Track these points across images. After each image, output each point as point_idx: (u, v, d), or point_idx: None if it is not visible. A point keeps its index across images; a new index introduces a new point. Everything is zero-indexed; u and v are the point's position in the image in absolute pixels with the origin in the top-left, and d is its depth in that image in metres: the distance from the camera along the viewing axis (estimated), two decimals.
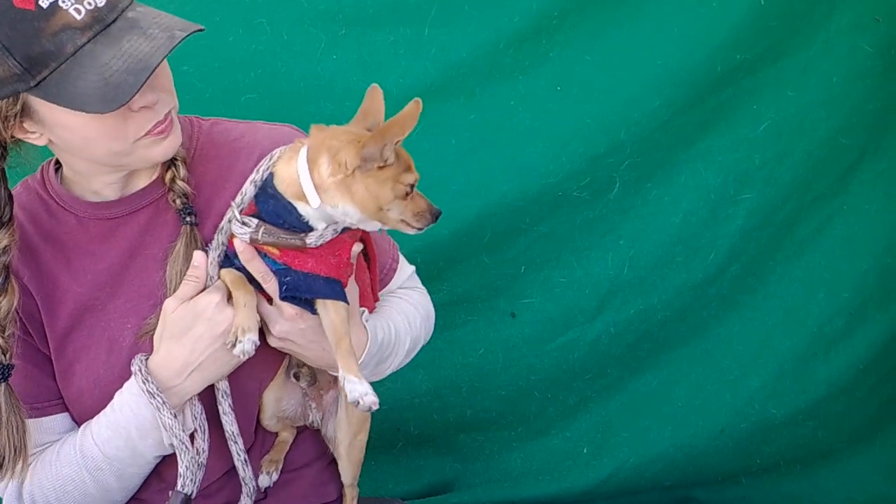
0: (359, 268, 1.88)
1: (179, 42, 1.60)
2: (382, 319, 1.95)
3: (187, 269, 1.80)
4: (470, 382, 2.87)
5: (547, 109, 2.65)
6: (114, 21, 1.60)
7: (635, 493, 2.98)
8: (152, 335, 1.82)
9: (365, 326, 1.86)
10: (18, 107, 1.68)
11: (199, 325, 1.75)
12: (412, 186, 1.70)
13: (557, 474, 2.96)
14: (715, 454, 2.95)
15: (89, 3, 1.58)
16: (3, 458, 1.81)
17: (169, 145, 1.76)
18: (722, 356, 2.93)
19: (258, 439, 1.97)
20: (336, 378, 1.87)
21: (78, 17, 1.57)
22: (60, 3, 1.56)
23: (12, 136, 1.74)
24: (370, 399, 1.67)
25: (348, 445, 1.96)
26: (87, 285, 1.87)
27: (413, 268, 2.16)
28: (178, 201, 1.83)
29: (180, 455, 1.78)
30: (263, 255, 1.74)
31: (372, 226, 1.73)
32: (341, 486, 2.09)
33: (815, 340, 2.93)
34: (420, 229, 1.73)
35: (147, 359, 1.80)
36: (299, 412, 1.97)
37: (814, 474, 3.03)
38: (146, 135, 1.71)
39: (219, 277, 1.78)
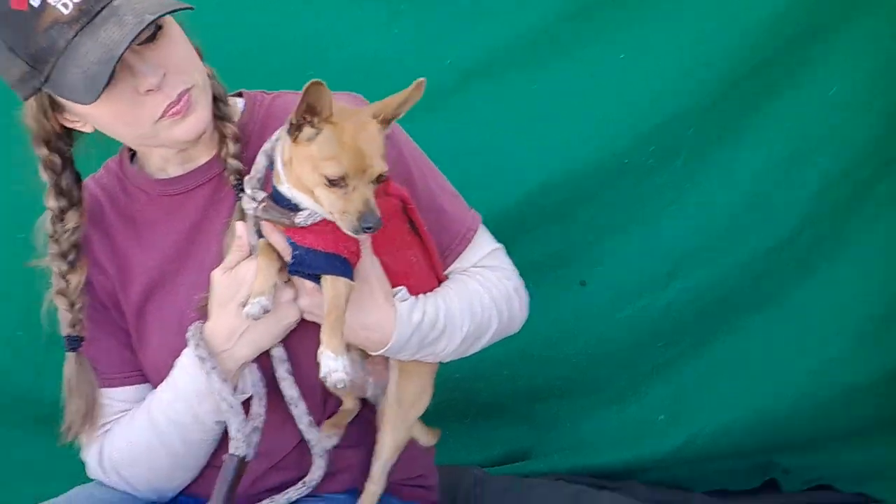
0: (401, 245, 1.89)
1: (150, 23, 1.65)
2: (432, 299, 1.94)
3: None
4: (541, 350, 2.89)
5: (611, 77, 2.66)
6: (99, 11, 1.66)
7: (715, 459, 2.98)
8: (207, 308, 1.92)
9: (396, 306, 1.87)
10: (47, 101, 1.81)
11: (241, 292, 1.82)
12: (331, 180, 1.63)
13: (633, 442, 2.97)
14: (796, 419, 2.94)
15: None
16: (72, 423, 1.97)
17: (190, 125, 1.82)
18: (800, 321, 2.91)
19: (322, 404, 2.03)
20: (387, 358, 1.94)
21: (65, 12, 1.65)
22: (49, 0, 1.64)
23: (62, 126, 1.87)
24: (338, 376, 1.66)
25: (393, 425, 1.97)
26: (156, 260, 1.98)
27: (498, 246, 2.13)
28: (231, 178, 1.90)
29: (229, 419, 1.86)
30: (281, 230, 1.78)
31: (321, 212, 1.70)
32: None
33: (894, 303, 2.90)
34: (348, 231, 1.65)
35: (203, 325, 1.89)
36: (358, 382, 1.99)
37: None
38: (162, 117, 1.78)
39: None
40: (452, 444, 2.89)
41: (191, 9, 1.73)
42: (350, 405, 2.04)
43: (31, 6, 1.65)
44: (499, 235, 2.17)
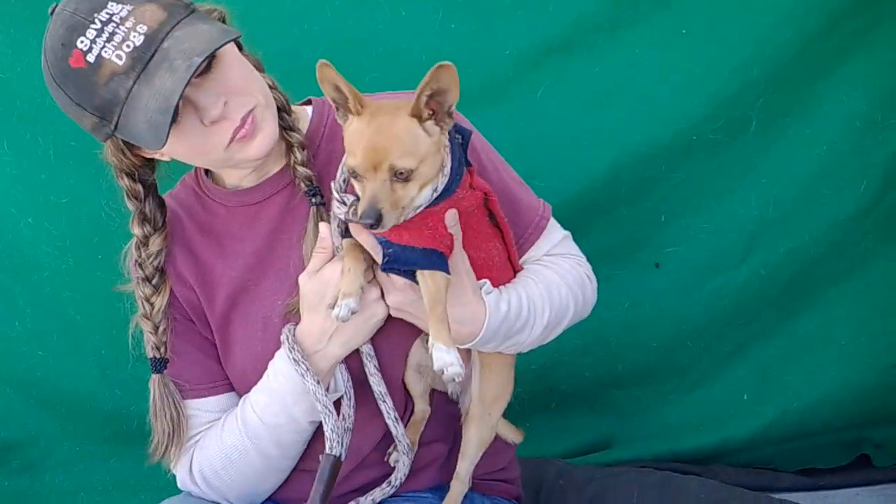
0: (483, 238, 1.92)
1: (199, 65, 1.68)
2: (514, 290, 1.97)
3: None
4: (619, 336, 2.89)
5: (673, 54, 2.64)
6: (151, 57, 1.70)
7: (803, 437, 2.95)
8: (295, 313, 1.97)
9: (484, 299, 1.90)
10: (121, 142, 1.88)
11: (329, 295, 1.87)
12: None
13: (719, 424, 2.95)
14: (887, 392, 2.89)
15: (128, 46, 1.69)
16: (159, 444, 2.03)
17: (259, 144, 1.87)
18: (885, 289, 2.86)
19: (404, 402, 2.06)
20: (470, 351, 1.96)
21: (120, 63, 1.69)
22: (104, 53, 1.69)
23: (140, 157, 1.95)
24: (454, 370, 1.70)
25: (478, 422, 2.00)
26: (238, 269, 2.04)
27: (566, 234, 2.17)
28: (302, 185, 1.95)
29: (325, 419, 1.90)
30: None
31: None
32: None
33: None
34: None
35: (295, 327, 1.94)
36: (438, 376, 1.97)
37: None
38: (231, 142, 1.83)
39: (343, 247, 1.87)
40: (534, 436, 2.83)
41: (238, 36, 1.77)
42: (422, 408, 2.08)
43: (88, 63, 1.70)
44: (570, 222, 2.19)
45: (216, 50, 1.72)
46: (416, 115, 1.68)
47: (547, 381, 2.94)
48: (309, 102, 2.12)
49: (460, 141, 1.81)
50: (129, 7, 1.71)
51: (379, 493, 2.04)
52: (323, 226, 1.91)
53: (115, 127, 1.75)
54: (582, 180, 2.72)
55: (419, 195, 1.71)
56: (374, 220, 1.64)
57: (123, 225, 2.60)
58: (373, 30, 2.61)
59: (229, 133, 1.82)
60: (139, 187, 1.98)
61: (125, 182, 1.98)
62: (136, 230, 2.00)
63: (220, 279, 2.05)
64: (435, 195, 1.75)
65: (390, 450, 2.05)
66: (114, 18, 1.70)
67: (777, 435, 2.93)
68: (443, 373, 1.71)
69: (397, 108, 1.70)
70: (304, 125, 2.03)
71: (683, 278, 2.86)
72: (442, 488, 2.10)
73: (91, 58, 1.69)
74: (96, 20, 1.70)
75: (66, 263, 2.84)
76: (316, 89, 2.09)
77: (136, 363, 2.74)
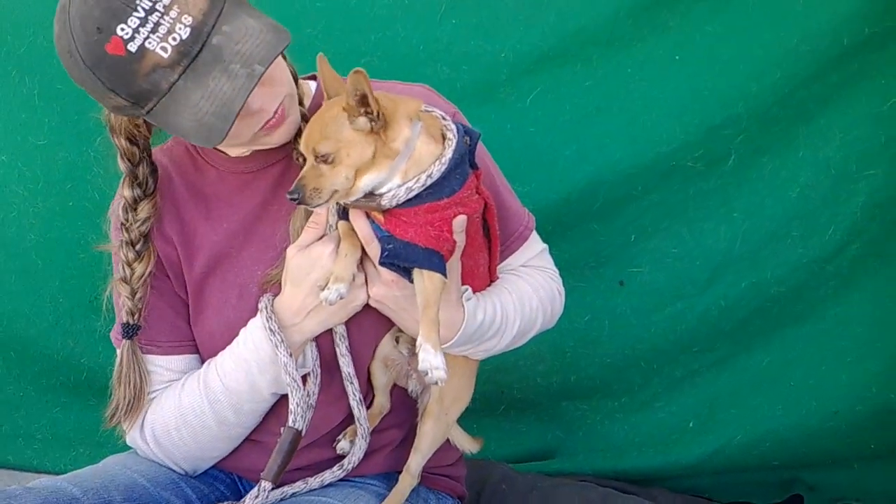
0: (476, 248, 1.97)
1: (261, 76, 1.70)
2: (490, 298, 2.03)
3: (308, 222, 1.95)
4: (574, 348, 2.96)
5: (664, 79, 2.71)
6: (199, 52, 1.69)
7: (741, 471, 3.01)
8: (274, 284, 2.01)
9: (464, 305, 1.95)
10: (141, 120, 1.91)
11: (315, 272, 1.91)
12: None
13: (662, 447, 3.01)
14: (827, 437, 2.95)
15: (174, 39, 1.67)
16: (118, 410, 2.05)
17: (284, 132, 1.92)
18: (839, 337, 2.91)
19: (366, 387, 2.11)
20: None
21: (165, 56, 1.68)
22: (147, 44, 1.67)
23: (146, 123, 1.98)
24: (439, 374, 1.75)
25: (435, 420, 2.05)
26: (222, 234, 2.07)
27: (544, 247, 2.23)
28: (300, 160, 1.96)
29: (291, 393, 1.94)
30: (373, 221, 1.85)
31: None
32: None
33: None
34: None
35: (274, 298, 1.98)
36: (402, 373, 2.09)
37: None
38: (259, 130, 1.87)
39: (336, 227, 1.91)
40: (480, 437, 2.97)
41: (289, 41, 1.77)
42: (381, 402, 2.13)
43: (129, 52, 1.67)
44: (541, 230, 2.26)
45: (277, 56, 1.73)
46: (348, 110, 1.76)
47: (498, 384, 3.00)
48: (314, 77, 2.14)
49: (468, 142, 1.87)
50: None
51: (329, 475, 2.07)
52: None
53: (148, 112, 1.74)
54: (559, 190, 2.79)
55: (360, 180, 1.77)
56: (296, 196, 1.74)
57: (100, 175, 2.67)
58: (374, 14, 2.67)
59: (261, 123, 1.85)
60: (135, 149, 1.99)
61: (121, 142, 1.98)
62: (127, 192, 2.01)
63: (202, 241, 2.08)
64: (422, 186, 1.79)
65: (339, 437, 2.09)
66: (157, 7, 1.67)
67: (717, 465, 2.98)
68: (427, 374, 1.76)
69: (335, 100, 1.79)
70: (307, 100, 2.05)
71: (645, 299, 2.93)
72: (390, 477, 2.15)
73: (133, 47, 1.67)
74: (139, 7, 1.66)
75: (34, 206, 2.86)
76: (310, 67, 2.16)
77: (89, 312, 2.80)
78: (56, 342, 2.98)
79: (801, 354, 2.95)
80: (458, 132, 1.84)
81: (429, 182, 1.79)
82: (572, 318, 2.78)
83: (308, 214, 1.96)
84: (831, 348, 2.94)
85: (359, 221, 1.87)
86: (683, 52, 2.70)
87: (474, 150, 1.89)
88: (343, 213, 1.91)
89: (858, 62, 2.70)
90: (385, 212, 1.82)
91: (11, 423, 3.11)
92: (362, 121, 1.76)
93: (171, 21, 1.67)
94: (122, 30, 1.66)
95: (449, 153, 1.81)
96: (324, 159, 1.75)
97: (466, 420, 2.19)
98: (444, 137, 1.84)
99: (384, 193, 1.80)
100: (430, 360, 1.76)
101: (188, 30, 1.68)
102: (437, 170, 1.79)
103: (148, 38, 1.66)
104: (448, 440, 2.18)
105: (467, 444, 2.26)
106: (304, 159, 1.79)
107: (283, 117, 1.88)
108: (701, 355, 2.98)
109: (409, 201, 1.80)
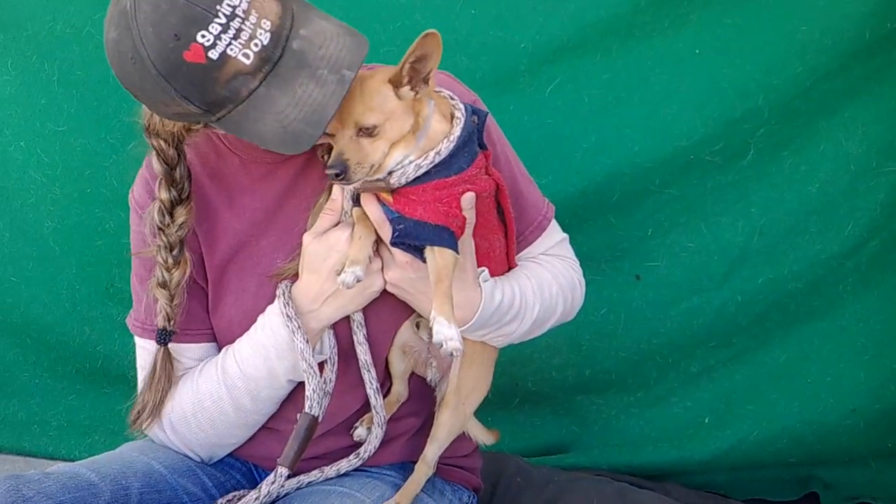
0: (490, 229, 1.97)
1: (351, 82, 1.67)
2: (508, 282, 2.02)
3: None
4: (590, 342, 2.96)
5: (684, 71, 2.72)
6: (280, 57, 1.66)
7: (757, 467, 3.01)
8: (284, 278, 2.01)
9: (481, 286, 1.95)
10: (201, 124, 1.89)
11: (332, 257, 1.92)
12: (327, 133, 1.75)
13: (677, 442, 3.00)
14: (844, 434, 2.94)
15: (255, 45, 1.63)
16: (141, 412, 2.05)
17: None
18: (857, 334, 2.91)
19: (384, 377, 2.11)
20: None
21: (247, 63, 1.64)
22: (229, 51, 1.62)
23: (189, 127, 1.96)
24: (453, 344, 1.74)
25: (452, 409, 2.04)
26: (245, 222, 2.07)
27: (565, 236, 2.23)
28: (324, 157, 1.96)
29: (308, 379, 1.95)
30: (383, 204, 1.86)
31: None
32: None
33: None
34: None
35: (291, 285, 1.99)
36: (421, 360, 2.09)
37: None
38: None
39: (351, 214, 1.92)
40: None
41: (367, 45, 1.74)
42: (399, 390, 2.12)
43: (209, 59, 1.62)
44: (558, 222, 2.25)
45: (363, 60, 1.71)
46: (395, 80, 1.75)
47: (513, 377, 3.01)
48: None
49: (476, 121, 1.88)
50: None
51: (346, 464, 2.08)
52: (336, 188, 1.94)
53: (218, 119, 1.72)
54: (577, 182, 2.79)
55: (390, 155, 1.78)
56: (340, 171, 1.71)
57: (118, 161, 2.68)
58: (393, 3, 2.68)
59: None
60: (172, 151, 1.97)
61: (158, 143, 1.95)
62: (163, 194, 1.98)
63: (224, 228, 2.08)
64: (430, 163, 1.80)
65: (357, 424, 2.10)
66: (237, 12, 1.62)
67: (733, 461, 2.98)
68: (441, 346, 1.75)
69: (377, 71, 1.78)
70: None
71: (661, 293, 2.93)
72: (406, 467, 2.14)
73: (214, 54, 1.62)
74: (220, 14, 1.61)
75: (52, 193, 2.87)
76: None
77: (108, 302, 2.81)
78: (72, 329, 2.99)
79: (818, 351, 2.95)
80: (466, 111, 1.86)
81: (437, 159, 1.80)
82: (588, 311, 2.74)
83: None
84: (849, 345, 2.93)
85: (370, 205, 1.87)
86: (703, 44, 2.70)
87: (482, 129, 1.90)
88: (356, 199, 1.92)
89: (881, 57, 2.69)
90: (394, 193, 1.82)
91: (27, 409, 3.12)
92: (406, 90, 1.76)
93: (252, 27, 1.63)
94: (203, 37, 1.61)
95: (457, 131, 1.82)
96: (368, 132, 1.74)
97: (481, 412, 2.19)
98: (452, 116, 1.85)
99: (394, 171, 1.80)
100: (444, 331, 1.76)
101: (268, 35, 1.65)
102: (446, 147, 1.81)
103: (230, 44, 1.62)
104: (464, 432, 2.17)
105: (483, 436, 2.25)
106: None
107: None
108: (717, 350, 2.97)
109: (417, 179, 1.81)
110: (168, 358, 2.05)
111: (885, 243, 2.86)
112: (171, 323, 2.02)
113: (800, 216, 2.84)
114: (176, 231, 1.99)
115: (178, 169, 1.99)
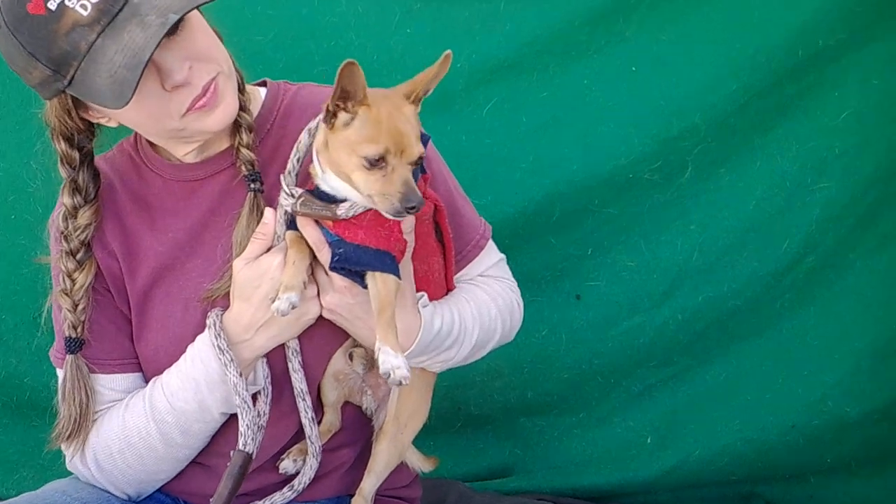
0: (429, 251, 1.94)
1: (174, 23, 1.66)
2: (447, 307, 1.99)
3: (252, 234, 1.89)
4: (532, 363, 2.93)
5: (620, 89, 2.71)
6: (120, 10, 1.67)
7: (699, 486, 3.01)
8: (214, 300, 1.95)
9: (420, 312, 1.91)
10: (70, 101, 1.83)
11: (264, 285, 1.85)
12: (370, 161, 1.65)
13: (620, 463, 2.99)
14: (784, 450, 2.97)
15: None
16: (63, 428, 1.97)
17: (220, 115, 1.84)
18: (795, 350, 2.94)
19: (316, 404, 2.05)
20: None
21: (84, 14, 1.65)
22: (67, 2, 1.65)
23: (86, 120, 1.90)
24: (401, 373, 1.69)
25: (391, 439, 2.00)
26: (167, 244, 2.00)
27: (502, 256, 2.21)
28: (243, 168, 1.93)
29: (242, 414, 1.88)
30: (322, 226, 1.81)
31: (360, 199, 1.73)
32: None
33: (894, 338, 2.92)
34: (387, 213, 1.68)
35: (222, 314, 1.92)
36: (356, 389, 2.04)
37: (886, 476, 3.00)
38: (189, 111, 1.80)
39: (283, 238, 1.86)
40: (437, 455, 2.89)
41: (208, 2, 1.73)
42: (331, 420, 2.07)
43: (48, 10, 1.65)
44: (497, 243, 2.24)
45: (194, 8, 1.70)
46: (413, 100, 1.72)
47: (455, 401, 2.97)
48: (264, 84, 2.10)
49: None
50: None
51: (280, 497, 2.02)
52: (268, 211, 1.89)
53: (70, 82, 1.71)
54: (516, 203, 2.77)
55: None
56: (418, 204, 1.64)
57: (42, 188, 2.61)
58: (327, 22, 2.63)
59: (189, 100, 1.79)
60: (75, 154, 1.93)
61: (61, 146, 1.92)
62: (66, 199, 1.94)
63: (146, 252, 2.01)
64: None
65: (283, 456, 2.04)
66: None
67: (675, 481, 2.98)
68: (389, 376, 1.70)
69: (393, 94, 1.72)
70: (255, 107, 2.01)
71: (602, 313, 2.92)
72: (342, 501, 2.10)
73: (52, 5, 1.65)
74: None
75: None
76: (260, 74, 2.11)
77: (33, 328, 2.71)
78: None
79: (757, 368, 2.97)
80: None
81: None
82: (529, 332, 2.79)
83: (253, 223, 1.90)
84: (788, 361, 2.96)
85: (308, 227, 1.82)
86: (639, 62, 2.70)
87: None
88: (289, 223, 1.87)
89: (814, 73, 2.73)
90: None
91: None
92: None
93: None
94: None
95: None
96: (415, 163, 1.69)
97: (422, 438, 2.15)
98: None
99: (341, 202, 1.76)
100: (391, 360, 1.71)
101: None
102: None
103: None
104: (402, 461, 2.13)
105: (421, 463, 2.22)
106: (377, 163, 1.66)
107: (214, 97, 1.82)
108: (658, 369, 2.98)
109: None
110: (80, 367, 1.96)
111: (820, 259, 2.88)
112: (78, 331, 1.95)
113: (737, 233, 2.86)
114: (78, 235, 1.94)
115: (81, 172, 1.94)
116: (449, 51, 1.70)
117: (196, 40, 1.79)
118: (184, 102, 1.79)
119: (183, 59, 1.76)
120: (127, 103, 1.66)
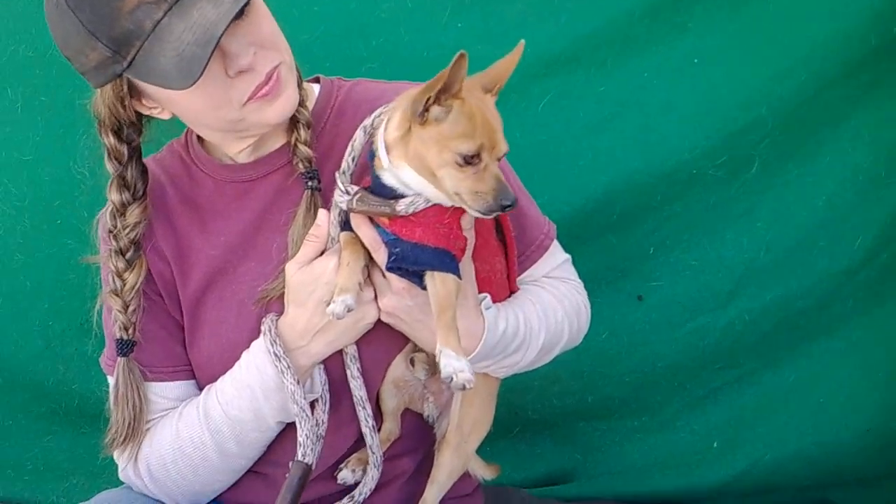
0: (490, 251, 1.89)
1: (245, 2, 1.62)
2: (512, 309, 1.94)
3: (307, 233, 1.85)
4: (592, 367, 2.87)
5: (682, 82, 2.64)
6: None
7: (769, 492, 2.95)
8: (269, 301, 1.91)
9: (483, 314, 1.86)
10: (126, 87, 1.80)
11: (319, 289, 1.81)
12: (465, 157, 1.61)
13: (685, 469, 2.93)
14: (858, 454, 2.89)
15: None
16: (117, 433, 1.94)
17: (281, 106, 1.80)
18: (869, 350, 2.86)
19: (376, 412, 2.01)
20: None
21: None
22: None
23: (136, 113, 1.86)
24: (465, 377, 1.64)
25: (454, 449, 1.96)
26: (220, 248, 1.97)
27: (568, 257, 2.16)
28: (300, 165, 1.90)
29: (300, 423, 1.85)
30: (377, 225, 1.76)
31: (439, 197, 1.69)
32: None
33: None
34: (479, 212, 1.64)
35: (277, 319, 1.88)
36: (416, 396, 2.00)
37: None
38: (250, 99, 1.76)
39: (338, 240, 1.82)
40: (495, 461, 2.86)
41: None
42: (390, 428, 2.03)
43: None
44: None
45: None
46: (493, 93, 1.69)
47: (512, 406, 2.91)
48: (317, 80, 2.06)
49: None
50: None
51: None
52: (322, 213, 1.85)
53: (130, 63, 1.66)
54: (574, 201, 2.70)
55: None
56: (513, 202, 1.61)
57: (88, 191, 2.61)
58: (375, 18, 2.59)
59: (252, 87, 1.75)
60: (123, 148, 1.90)
61: (109, 140, 1.89)
62: (114, 196, 1.91)
63: (198, 256, 1.98)
64: None
65: (341, 466, 2.00)
66: None
67: (743, 487, 2.91)
68: (451, 380, 1.65)
69: (473, 86, 1.68)
70: (309, 104, 1.97)
71: (665, 314, 2.85)
72: None
73: None
74: None
75: (21, 225, 2.77)
76: (309, 73, 2.07)
77: (81, 335, 2.71)
78: (46, 367, 2.88)
79: (829, 369, 2.89)
80: None
81: None
82: (589, 335, 2.69)
83: (310, 222, 1.86)
84: (861, 363, 2.88)
85: (363, 227, 1.78)
86: (702, 53, 2.62)
87: None
88: (344, 224, 1.82)
89: (887, 62, 2.63)
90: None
91: (0, 453, 3.01)
92: None
93: None
94: None
95: None
96: (500, 158, 1.66)
97: (480, 444, 2.10)
98: None
99: (400, 198, 1.71)
100: (453, 363, 1.65)
101: None
102: None
103: None
104: None
105: (483, 471, 2.18)
106: (471, 160, 1.63)
107: (277, 86, 1.78)
108: (724, 372, 2.90)
109: None
110: (132, 370, 1.93)
111: (894, 257, 2.79)
112: (129, 332, 1.92)
113: (807, 230, 2.77)
114: (127, 233, 1.91)
115: (129, 168, 1.91)
116: (522, 41, 1.67)
117: (262, 26, 1.75)
118: (246, 90, 1.75)
119: (248, 44, 1.72)
120: (195, 82, 1.61)
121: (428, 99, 1.62)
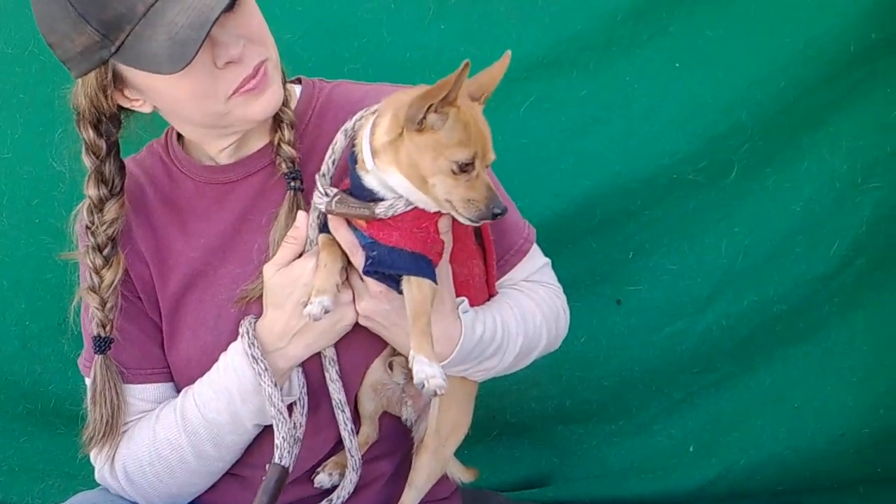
0: (469, 255, 1.88)
1: None
2: (489, 313, 1.94)
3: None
4: (570, 371, 2.87)
5: (664, 87, 2.64)
6: None
7: (744, 496, 2.95)
8: (248, 301, 1.90)
9: (460, 318, 1.85)
10: (110, 75, 1.77)
11: (297, 292, 1.81)
12: (460, 165, 1.61)
13: (661, 473, 2.93)
14: (833, 459, 2.90)
15: None
16: (95, 431, 1.93)
17: (266, 101, 1.79)
18: (844, 356, 2.87)
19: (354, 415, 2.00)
20: None
21: None
22: None
23: (117, 105, 1.84)
24: (436, 383, 1.64)
25: (432, 453, 1.96)
26: (200, 249, 1.96)
27: (547, 261, 2.15)
28: (283, 165, 1.88)
29: (277, 426, 1.84)
30: (354, 228, 1.75)
31: (426, 203, 1.68)
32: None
33: None
34: (469, 219, 1.64)
35: (255, 321, 1.87)
36: (394, 399, 2.00)
37: None
38: (236, 92, 1.74)
39: (317, 242, 1.81)
40: (473, 464, 2.85)
41: None
42: (367, 432, 2.02)
43: None
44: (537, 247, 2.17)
45: None
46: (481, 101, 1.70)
47: (491, 410, 2.90)
48: (299, 81, 2.05)
49: None
50: None
51: None
52: (301, 215, 1.84)
53: (118, 48, 1.64)
54: (555, 205, 2.70)
55: None
56: (503, 210, 1.62)
57: (67, 190, 2.57)
58: (358, 18, 2.58)
59: (239, 79, 1.74)
60: (102, 143, 1.87)
61: (88, 134, 1.86)
62: (92, 191, 1.89)
63: (177, 258, 1.97)
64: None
65: (318, 470, 1.99)
66: None
67: (719, 491, 2.92)
68: (423, 386, 1.65)
69: (462, 94, 1.66)
70: (292, 104, 1.97)
71: (643, 318, 2.85)
72: None
73: None
74: None
75: None
76: (291, 73, 2.06)
77: (58, 335, 2.69)
78: (22, 368, 2.84)
79: (805, 374, 2.90)
80: None
81: None
82: (568, 339, 2.69)
83: (290, 224, 1.85)
84: (836, 368, 2.89)
85: (340, 230, 1.77)
86: (684, 58, 2.63)
87: None
88: (322, 226, 1.81)
89: (866, 69, 2.65)
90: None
91: None
92: None
93: None
94: None
95: None
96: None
97: (459, 447, 2.09)
98: None
99: (379, 201, 1.70)
100: (426, 370, 1.65)
101: None
102: None
103: None
104: None
105: (461, 474, 2.18)
106: (466, 168, 1.63)
107: (264, 80, 1.77)
108: (701, 376, 2.91)
109: None
110: (109, 368, 1.92)
111: (871, 262, 2.81)
112: (107, 329, 1.90)
113: (784, 235, 2.79)
114: (105, 229, 1.89)
115: (107, 163, 1.89)
116: (509, 51, 1.68)
117: (252, 20, 1.75)
118: (233, 81, 1.74)
119: (238, 36, 1.71)
120: (187, 64, 1.59)
121: (429, 107, 1.61)
